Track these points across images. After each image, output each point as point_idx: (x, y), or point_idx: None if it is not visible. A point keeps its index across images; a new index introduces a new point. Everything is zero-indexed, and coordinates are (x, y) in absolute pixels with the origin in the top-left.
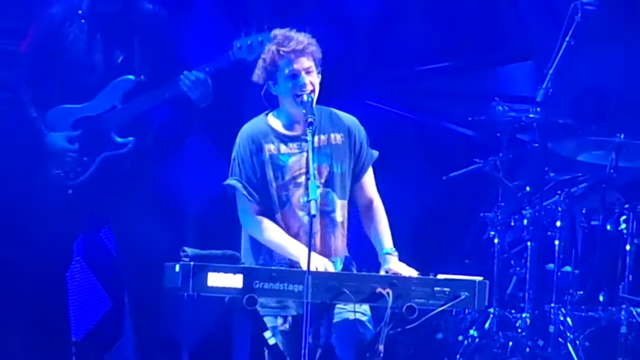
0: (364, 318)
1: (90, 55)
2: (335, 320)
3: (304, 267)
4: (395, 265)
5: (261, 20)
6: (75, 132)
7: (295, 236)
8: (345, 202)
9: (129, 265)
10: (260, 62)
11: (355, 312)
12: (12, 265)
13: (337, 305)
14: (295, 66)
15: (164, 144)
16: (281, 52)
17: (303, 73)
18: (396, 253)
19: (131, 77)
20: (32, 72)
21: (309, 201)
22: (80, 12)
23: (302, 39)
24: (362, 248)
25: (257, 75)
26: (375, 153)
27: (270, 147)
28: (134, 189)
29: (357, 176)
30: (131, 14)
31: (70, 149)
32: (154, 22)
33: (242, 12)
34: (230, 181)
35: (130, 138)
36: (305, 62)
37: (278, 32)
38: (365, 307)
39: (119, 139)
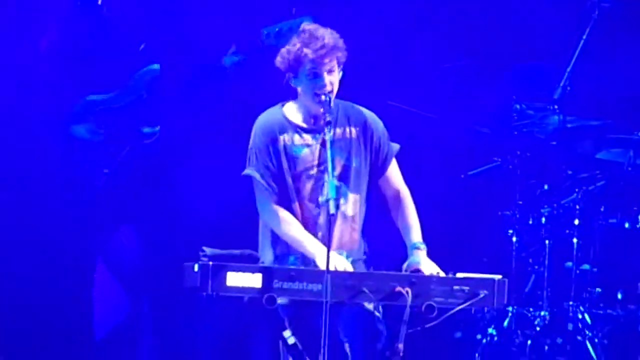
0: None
1: (112, 45)
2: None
3: (319, 265)
4: (416, 261)
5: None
6: (100, 124)
7: (305, 227)
8: (359, 196)
9: (150, 262)
10: (284, 52)
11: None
12: (40, 263)
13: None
14: (318, 67)
15: (188, 137)
16: (305, 51)
17: (325, 74)
18: (424, 247)
19: (156, 66)
20: (54, 67)
21: (327, 200)
22: (99, 2)
23: (327, 40)
24: (380, 246)
25: (279, 62)
26: (397, 146)
27: (284, 137)
28: (159, 181)
29: (380, 170)
30: (152, 1)
31: (95, 141)
32: (176, 9)
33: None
34: (248, 171)
35: (157, 127)
36: (328, 64)
37: (306, 27)
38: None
39: (146, 129)
